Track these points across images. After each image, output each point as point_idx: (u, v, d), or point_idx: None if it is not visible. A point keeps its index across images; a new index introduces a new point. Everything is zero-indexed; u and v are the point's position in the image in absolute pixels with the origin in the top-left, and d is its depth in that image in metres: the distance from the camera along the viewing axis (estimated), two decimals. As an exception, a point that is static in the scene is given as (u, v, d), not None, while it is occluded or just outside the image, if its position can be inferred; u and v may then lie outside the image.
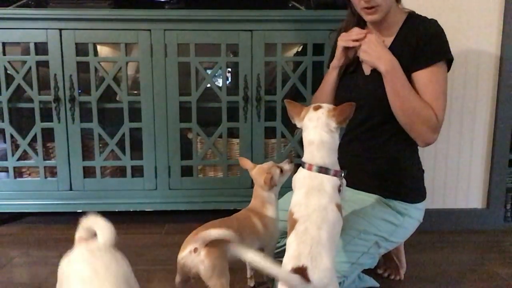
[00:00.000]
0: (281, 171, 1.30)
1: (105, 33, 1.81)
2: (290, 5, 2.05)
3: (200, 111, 1.89)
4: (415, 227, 1.36)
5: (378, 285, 1.42)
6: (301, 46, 2.02)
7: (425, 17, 1.30)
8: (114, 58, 1.93)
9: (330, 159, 1.04)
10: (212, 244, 1.10)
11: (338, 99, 1.41)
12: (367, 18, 1.27)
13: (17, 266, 1.59)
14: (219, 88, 1.90)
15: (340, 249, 1.24)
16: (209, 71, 1.87)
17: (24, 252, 1.70)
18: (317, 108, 1.06)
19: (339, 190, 1.06)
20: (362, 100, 1.29)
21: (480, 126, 1.89)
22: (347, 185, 1.37)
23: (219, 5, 1.82)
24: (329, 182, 1.03)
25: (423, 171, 1.39)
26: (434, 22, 1.27)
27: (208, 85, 1.87)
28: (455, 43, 1.76)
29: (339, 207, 1.04)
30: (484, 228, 1.94)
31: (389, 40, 1.30)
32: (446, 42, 1.26)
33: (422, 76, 1.23)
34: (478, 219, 1.95)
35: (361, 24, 1.34)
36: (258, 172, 1.29)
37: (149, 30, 1.80)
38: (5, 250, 1.72)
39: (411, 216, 1.32)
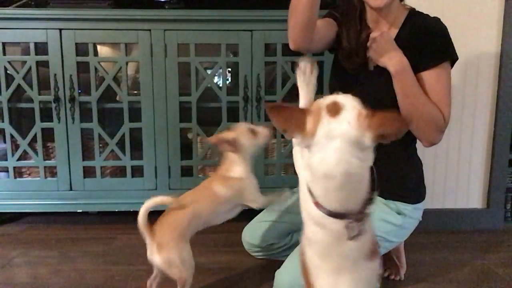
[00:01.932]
0: (253, 132, 1.30)
1: (105, 33, 1.81)
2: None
3: (200, 111, 1.89)
4: (415, 226, 1.36)
5: (378, 286, 1.42)
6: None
7: (427, 14, 1.29)
8: (114, 58, 1.93)
9: (358, 198, 0.70)
10: (164, 236, 1.17)
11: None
12: (373, 3, 1.21)
13: (17, 266, 1.59)
14: (219, 88, 1.90)
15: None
16: (209, 71, 1.87)
17: (24, 252, 1.70)
18: (336, 112, 0.67)
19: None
20: (362, 98, 1.29)
21: (480, 126, 1.89)
22: None
23: (219, 5, 1.81)
24: (355, 239, 0.71)
25: (422, 171, 1.39)
26: (437, 20, 1.26)
27: (208, 85, 1.87)
28: (455, 43, 1.76)
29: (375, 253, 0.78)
30: (484, 228, 1.94)
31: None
32: (451, 41, 1.25)
33: (427, 77, 1.22)
34: (478, 219, 1.95)
35: (362, 16, 1.32)
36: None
37: (149, 30, 1.80)
38: (5, 250, 1.72)
39: (411, 217, 1.32)
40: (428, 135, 1.24)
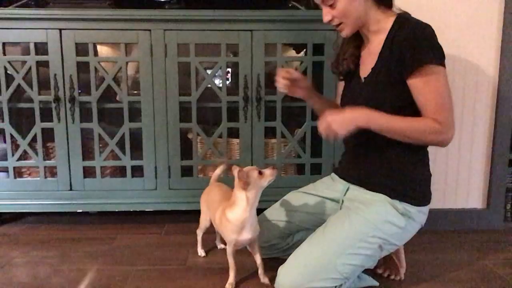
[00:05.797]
0: (260, 173, 1.31)
1: (105, 33, 1.81)
2: (290, 5, 2.05)
3: (200, 111, 1.89)
4: (416, 230, 1.35)
5: (377, 284, 1.42)
6: (304, 51, 2.02)
7: (416, 20, 1.23)
8: (114, 58, 1.93)
9: None
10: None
11: (342, 106, 1.42)
12: (340, 34, 1.34)
13: (17, 266, 1.59)
14: (219, 88, 1.90)
15: (343, 251, 1.24)
16: (209, 71, 1.87)
17: (24, 252, 1.70)
18: None
19: None
20: (362, 105, 1.29)
21: (480, 126, 1.90)
22: (354, 184, 1.37)
23: (219, 5, 1.81)
24: None
25: (430, 174, 1.37)
26: (423, 26, 1.20)
27: (208, 85, 1.87)
28: (455, 42, 1.76)
29: None
30: (484, 228, 1.94)
31: (378, 47, 1.29)
32: (433, 44, 1.19)
33: (414, 83, 1.20)
34: (478, 219, 1.95)
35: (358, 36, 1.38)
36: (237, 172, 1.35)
37: (149, 30, 1.80)
38: (5, 250, 1.72)
39: (414, 220, 1.32)
40: (429, 143, 1.25)
